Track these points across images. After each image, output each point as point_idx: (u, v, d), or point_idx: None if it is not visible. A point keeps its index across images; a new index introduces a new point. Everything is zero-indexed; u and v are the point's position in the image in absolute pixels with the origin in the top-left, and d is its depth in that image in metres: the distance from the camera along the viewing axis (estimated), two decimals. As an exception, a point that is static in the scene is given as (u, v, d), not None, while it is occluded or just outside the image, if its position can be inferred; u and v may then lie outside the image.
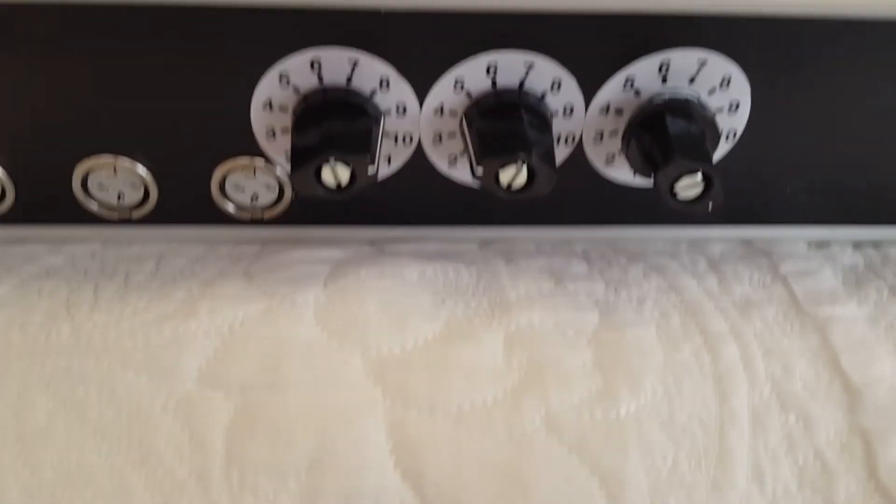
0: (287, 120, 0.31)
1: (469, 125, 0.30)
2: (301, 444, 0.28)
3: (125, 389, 0.29)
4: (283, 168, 0.32)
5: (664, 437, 0.29)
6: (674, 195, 0.29)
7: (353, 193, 0.29)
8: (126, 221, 0.34)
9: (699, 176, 0.29)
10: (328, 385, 0.29)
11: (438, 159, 0.33)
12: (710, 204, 0.29)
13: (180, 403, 0.29)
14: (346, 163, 0.29)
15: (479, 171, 0.29)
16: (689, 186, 0.29)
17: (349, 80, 0.30)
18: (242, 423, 0.28)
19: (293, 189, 0.33)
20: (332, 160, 0.28)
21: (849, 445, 0.29)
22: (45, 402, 0.28)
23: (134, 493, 0.27)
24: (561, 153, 0.32)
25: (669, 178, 0.29)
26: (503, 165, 0.29)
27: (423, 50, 0.29)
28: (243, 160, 0.32)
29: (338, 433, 0.28)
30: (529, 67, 0.30)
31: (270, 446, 0.28)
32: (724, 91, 0.31)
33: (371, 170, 0.29)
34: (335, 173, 0.29)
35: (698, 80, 0.30)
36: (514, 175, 0.29)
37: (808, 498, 0.28)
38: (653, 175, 0.30)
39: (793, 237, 0.37)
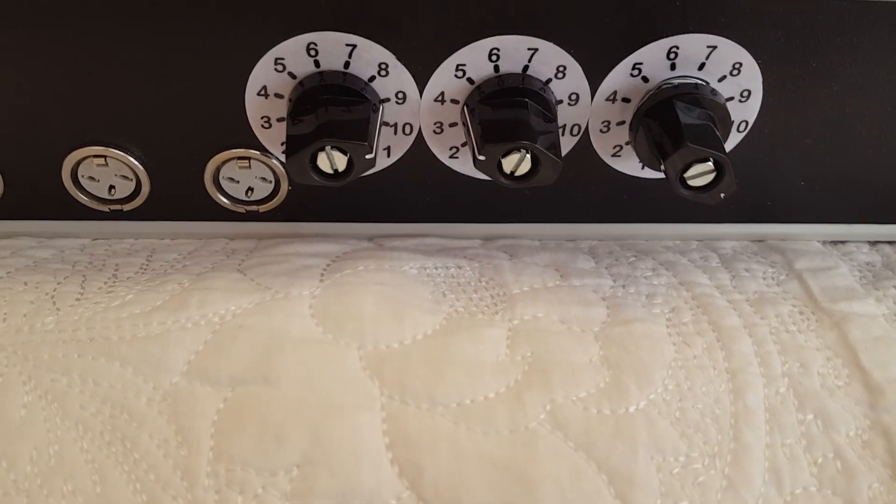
0: (282, 108, 0.30)
1: (471, 113, 0.29)
2: (293, 440, 0.27)
3: (109, 381, 0.27)
4: (278, 159, 0.31)
5: (676, 434, 0.27)
6: (684, 183, 0.28)
7: (349, 181, 0.28)
8: (117, 214, 0.33)
9: (710, 164, 0.28)
10: (322, 379, 0.28)
11: (439, 150, 0.32)
12: (722, 193, 0.28)
13: (167, 396, 0.27)
14: (343, 150, 0.28)
15: (482, 158, 0.28)
16: (700, 174, 0.28)
17: (347, 65, 0.29)
18: (231, 418, 0.27)
19: (289, 177, 0.32)
20: (328, 147, 0.27)
21: (870, 444, 0.28)
22: (25, 394, 0.27)
23: (115, 489, 0.26)
24: (566, 144, 0.31)
25: (679, 165, 0.28)
26: (506, 153, 0.28)
27: (423, 34, 0.28)
28: (237, 151, 0.31)
29: (332, 428, 0.27)
30: (533, 53, 0.29)
31: (260, 441, 0.27)
32: (734, 79, 0.30)
33: (369, 157, 0.28)
34: (331, 160, 0.28)
35: (708, 66, 0.29)
36: (517, 163, 0.28)
37: (828, 498, 0.27)
38: (662, 164, 0.29)
39: (807, 235, 0.35)
